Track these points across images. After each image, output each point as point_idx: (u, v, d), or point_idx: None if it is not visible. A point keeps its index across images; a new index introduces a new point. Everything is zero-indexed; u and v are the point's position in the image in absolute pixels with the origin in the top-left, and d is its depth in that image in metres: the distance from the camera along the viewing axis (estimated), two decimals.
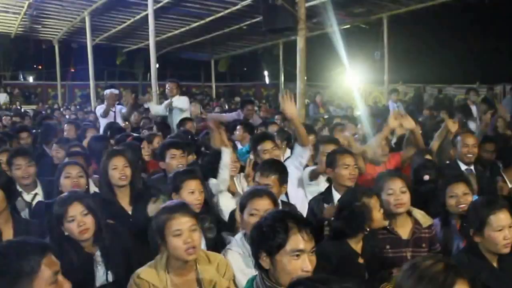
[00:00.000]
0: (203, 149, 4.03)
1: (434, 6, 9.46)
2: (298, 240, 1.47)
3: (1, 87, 17.50)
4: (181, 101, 5.81)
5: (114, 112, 6.28)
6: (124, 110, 6.29)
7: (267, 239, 1.48)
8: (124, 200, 2.68)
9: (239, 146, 4.22)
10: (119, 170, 2.63)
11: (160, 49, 13.28)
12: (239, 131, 4.52)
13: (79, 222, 2.02)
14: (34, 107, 14.63)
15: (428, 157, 3.24)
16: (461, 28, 14.55)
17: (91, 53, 10.81)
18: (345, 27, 10.65)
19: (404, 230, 2.36)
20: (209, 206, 2.62)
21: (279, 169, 2.59)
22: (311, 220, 2.49)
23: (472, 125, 5.42)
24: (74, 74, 18.86)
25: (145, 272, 1.82)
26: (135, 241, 2.27)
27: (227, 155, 2.88)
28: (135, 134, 4.69)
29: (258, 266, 1.54)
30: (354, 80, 11.25)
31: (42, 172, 3.42)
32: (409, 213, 2.40)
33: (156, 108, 6.24)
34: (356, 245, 2.13)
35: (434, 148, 3.52)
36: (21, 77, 21.01)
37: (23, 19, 11.53)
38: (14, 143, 4.33)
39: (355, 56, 10.37)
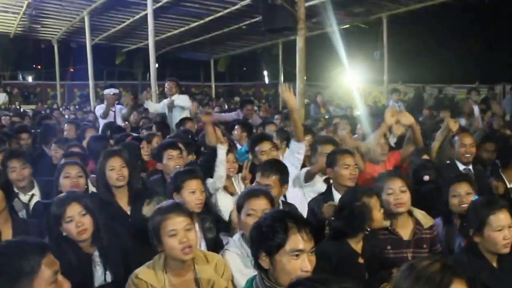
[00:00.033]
0: (202, 149, 4.02)
1: (433, 6, 9.46)
2: (298, 240, 1.47)
3: (0, 87, 17.48)
4: (182, 99, 5.80)
5: (114, 111, 6.27)
6: (124, 110, 6.27)
7: (266, 239, 1.48)
8: (123, 200, 2.68)
9: (239, 146, 4.21)
10: (116, 170, 2.63)
11: (160, 49, 13.28)
12: (237, 130, 4.52)
13: (77, 222, 2.02)
14: (33, 107, 14.61)
15: (425, 157, 3.24)
16: (461, 28, 14.55)
17: (90, 53, 10.80)
18: (344, 27, 10.64)
19: (405, 230, 2.35)
20: (209, 206, 2.62)
21: (280, 170, 2.58)
22: (311, 220, 2.49)
23: (461, 122, 5.42)
24: (73, 74, 18.84)
25: (143, 272, 1.82)
26: (134, 241, 2.27)
27: (222, 152, 2.88)
28: (134, 134, 4.68)
29: (257, 266, 1.54)
30: (354, 80, 11.26)
31: (41, 172, 3.42)
32: (410, 213, 2.40)
33: (155, 106, 6.22)
34: (356, 245, 2.13)
35: (435, 148, 3.52)
36: (20, 77, 20.98)
37: (22, 19, 11.51)
38: (13, 143, 4.32)
39: (355, 56, 10.37)
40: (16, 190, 2.92)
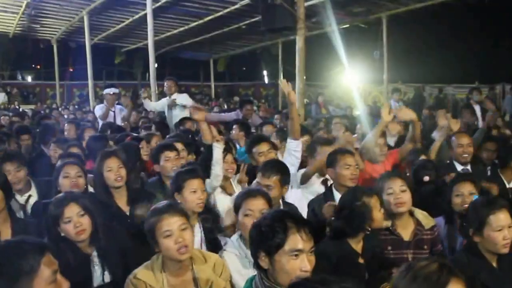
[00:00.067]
0: (202, 149, 4.01)
1: (433, 5, 9.47)
2: (297, 240, 1.47)
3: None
4: (183, 98, 5.78)
5: (114, 112, 6.26)
6: (124, 111, 6.25)
7: (266, 239, 1.48)
8: (121, 201, 2.67)
9: (239, 146, 4.20)
10: (114, 171, 2.62)
11: (159, 48, 13.28)
12: (235, 130, 4.51)
13: (76, 223, 2.01)
14: (32, 106, 14.61)
15: (423, 157, 3.23)
16: (460, 28, 14.55)
17: (89, 53, 10.80)
18: (344, 26, 10.65)
19: (406, 231, 2.35)
20: (209, 206, 2.61)
21: (281, 170, 2.56)
22: (312, 221, 2.48)
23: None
24: (73, 73, 18.83)
25: (141, 272, 1.82)
26: (133, 241, 2.26)
27: (218, 151, 2.86)
28: (134, 134, 4.67)
29: (257, 265, 1.54)
30: (353, 79, 11.25)
31: (40, 172, 3.41)
32: (411, 214, 2.39)
33: (152, 104, 6.20)
34: (357, 245, 2.12)
35: (435, 148, 3.52)
36: (20, 76, 20.96)
37: (21, 19, 11.51)
38: (12, 142, 4.32)
39: (354, 55, 10.37)
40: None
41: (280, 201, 2.57)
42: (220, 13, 10.13)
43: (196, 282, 1.84)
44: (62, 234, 2.03)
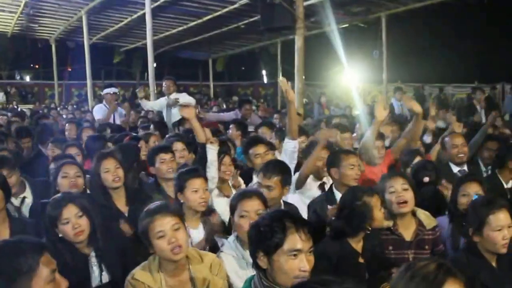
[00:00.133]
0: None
1: (432, 5, 9.47)
2: (296, 240, 1.46)
3: None
4: (186, 97, 5.75)
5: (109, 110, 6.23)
6: (123, 118, 6.20)
7: (264, 238, 1.48)
8: (120, 201, 2.66)
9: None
10: (111, 172, 2.61)
11: (158, 48, 13.27)
12: (232, 130, 4.49)
13: (74, 224, 2.00)
14: (31, 106, 14.58)
15: (418, 158, 3.21)
16: (460, 28, 14.58)
17: (88, 52, 10.78)
18: (343, 26, 10.65)
19: (407, 231, 2.35)
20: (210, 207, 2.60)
21: (282, 170, 2.54)
22: (312, 221, 2.47)
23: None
24: (71, 73, 18.81)
25: (139, 273, 1.82)
26: (132, 241, 2.25)
27: (213, 152, 2.85)
28: (133, 134, 4.66)
29: (255, 265, 1.53)
30: (352, 79, 11.25)
31: (37, 172, 3.40)
32: (413, 214, 2.38)
33: (150, 104, 6.17)
34: (357, 244, 2.12)
35: (435, 149, 3.50)
36: (18, 76, 20.93)
37: (19, 18, 11.48)
38: (10, 142, 4.31)
39: (354, 55, 10.36)
40: None
41: (281, 201, 2.56)
42: (219, 12, 10.12)
43: (193, 282, 1.83)
44: (60, 235, 2.02)
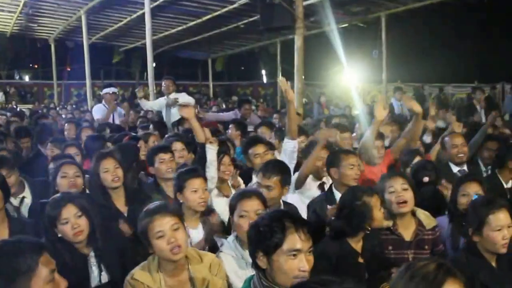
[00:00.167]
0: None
1: (432, 4, 9.48)
2: (295, 240, 1.46)
3: None
4: (185, 97, 5.74)
5: (108, 110, 6.22)
6: (123, 112, 6.20)
7: (264, 238, 1.48)
8: (119, 201, 2.66)
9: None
10: (110, 172, 2.60)
11: (157, 48, 13.26)
12: (231, 129, 4.49)
13: (73, 224, 2.00)
14: (30, 106, 14.56)
15: (418, 158, 3.21)
16: (459, 27, 14.57)
17: (87, 52, 10.77)
18: (343, 26, 10.65)
19: (407, 231, 2.34)
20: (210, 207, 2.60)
21: (282, 170, 2.54)
22: (312, 222, 2.47)
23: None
24: (70, 73, 18.79)
25: (138, 273, 1.81)
26: (131, 241, 2.25)
27: (212, 152, 2.84)
28: (133, 134, 4.65)
29: (255, 265, 1.53)
30: (352, 79, 11.25)
31: (37, 172, 3.39)
32: (413, 214, 2.38)
33: (150, 104, 6.17)
34: (356, 244, 2.12)
35: (436, 149, 3.49)
36: (17, 76, 20.90)
37: (18, 18, 11.48)
38: (9, 142, 4.30)
39: (353, 55, 10.37)
40: None
41: (281, 201, 2.56)
42: (218, 12, 10.11)
43: (192, 282, 1.83)
44: (60, 235, 2.01)
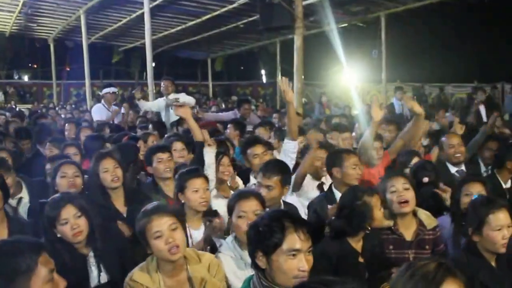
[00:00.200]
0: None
1: (432, 4, 9.47)
2: (295, 240, 1.46)
3: None
4: (185, 97, 5.73)
5: (111, 112, 6.22)
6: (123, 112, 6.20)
7: (263, 238, 1.48)
8: (119, 202, 2.65)
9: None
10: (110, 172, 2.60)
11: (157, 47, 13.24)
12: (229, 129, 4.49)
13: (73, 225, 2.00)
14: (29, 106, 14.53)
15: (416, 159, 3.21)
16: (460, 27, 14.56)
17: (86, 52, 10.76)
18: (342, 25, 10.65)
19: (408, 231, 2.35)
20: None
21: (282, 170, 2.54)
22: (312, 221, 2.46)
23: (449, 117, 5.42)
24: (70, 73, 18.76)
25: (137, 274, 1.81)
26: (132, 242, 2.24)
27: (210, 155, 2.84)
28: (132, 134, 4.65)
29: (254, 265, 1.53)
30: (352, 78, 11.25)
31: (35, 172, 3.39)
32: (414, 214, 2.38)
33: (148, 105, 6.17)
34: (357, 244, 2.12)
35: (436, 150, 3.49)
36: (16, 76, 20.87)
37: (18, 18, 11.45)
38: (8, 142, 4.30)
39: (353, 54, 10.36)
40: None
41: (281, 201, 2.56)
42: (218, 12, 10.11)
43: (191, 282, 1.83)
44: (59, 235, 2.01)
